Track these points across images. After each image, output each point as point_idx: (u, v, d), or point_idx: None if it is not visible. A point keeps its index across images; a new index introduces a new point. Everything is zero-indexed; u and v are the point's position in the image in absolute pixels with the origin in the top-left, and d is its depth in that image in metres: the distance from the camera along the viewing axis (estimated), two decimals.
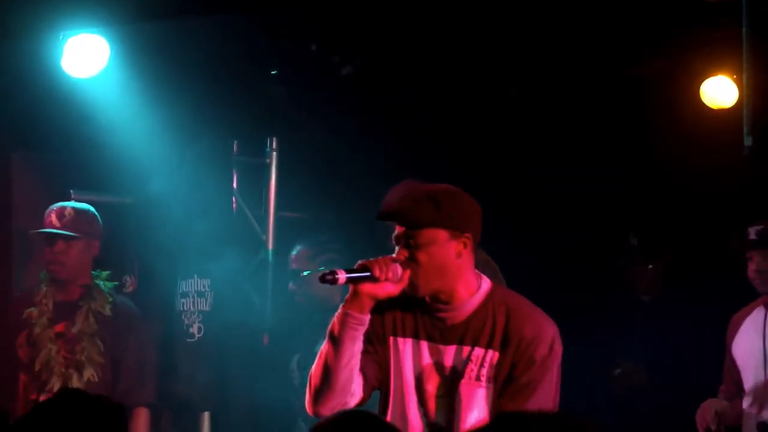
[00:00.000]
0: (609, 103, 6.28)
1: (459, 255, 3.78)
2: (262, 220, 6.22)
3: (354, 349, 3.79)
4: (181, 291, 6.36)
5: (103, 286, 5.70)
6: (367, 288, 3.75)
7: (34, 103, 6.01)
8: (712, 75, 5.96)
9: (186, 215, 6.26)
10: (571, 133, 6.44)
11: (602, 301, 6.27)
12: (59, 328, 5.59)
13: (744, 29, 4.87)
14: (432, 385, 3.85)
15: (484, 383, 3.79)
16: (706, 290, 5.99)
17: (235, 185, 6.29)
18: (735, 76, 5.86)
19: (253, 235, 6.20)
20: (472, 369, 3.80)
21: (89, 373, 5.52)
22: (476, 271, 3.88)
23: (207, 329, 6.15)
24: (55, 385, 5.46)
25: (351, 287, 3.78)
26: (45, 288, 5.66)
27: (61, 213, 5.64)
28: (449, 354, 3.83)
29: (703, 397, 5.52)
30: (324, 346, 3.83)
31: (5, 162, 6.36)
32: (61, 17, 5.23)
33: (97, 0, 5.18)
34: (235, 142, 6.29)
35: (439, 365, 3.84)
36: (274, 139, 6.20)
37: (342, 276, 3.71)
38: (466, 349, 3.81)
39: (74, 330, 5.56)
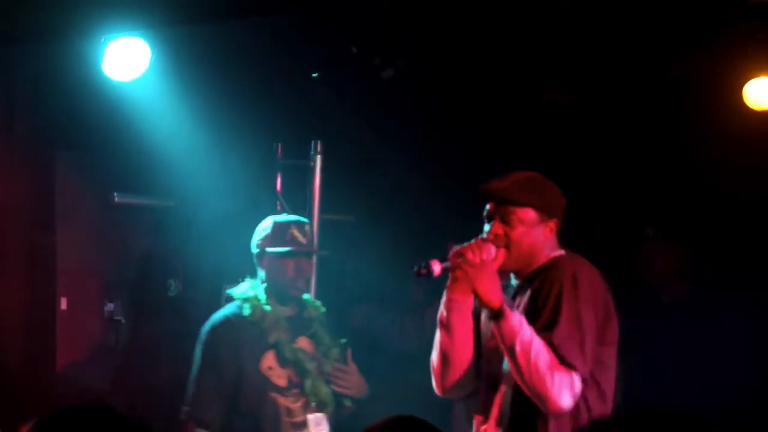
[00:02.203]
0: (651, 102, 6.20)
1: (545, 238, 4.02)
2: None
3: (465, 330, 4.02)
4: (226, 295, 6.33)
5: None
6: (464, 273, 3.92)
7: (77, 105, 6.01)
8: (756, 76, 5.86)
9: (230, 219, 6.24)
10: (611, 131, 6.36)
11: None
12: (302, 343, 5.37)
13: None
14: (491, 341, 4.03)
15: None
16: (728, 294, 5.92)
17: (279, 188, 6.25)
18: None
19: None
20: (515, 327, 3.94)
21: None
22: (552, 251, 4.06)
23: None
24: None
25: (450, 274, 3.94)
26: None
27: (303, 229, 5.37)
28: (507, 315, 3.96)
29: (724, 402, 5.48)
30: (437, 333, 4.05)
31: (49, 161, 6.35)
32: (102, 21, 5.20)
33: (138, 3, 5.14)
34: (279, 144, 6.25)
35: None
36: (319, 142, 6.16)
37: (438, 267, 3.90)
38: (519, 299, 4.03)
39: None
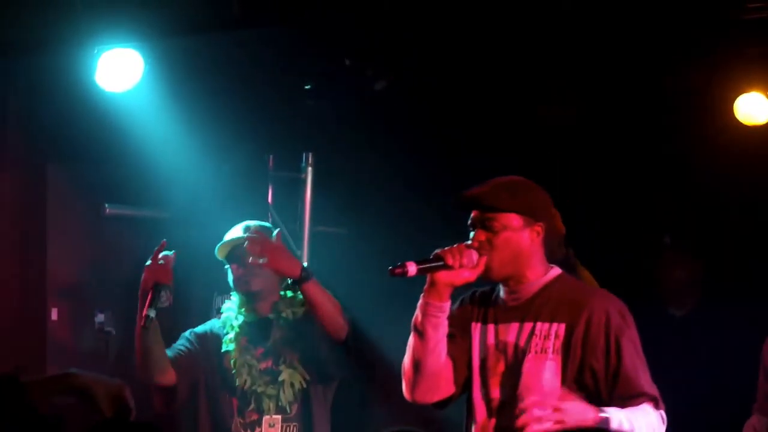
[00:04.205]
0: (643, 115, 6.23)
1: (532, 242, 3.94)
2: (298, 236, 6.18)
3: (438, 335, 3.93)
4: (217, 307, 6.32)
5: None
6: (442, 276, 3.88)
7: (70, 116, 6.02)
8: (747, 91, 5.89)
9: (221, 230, 6.24)
10: (604, 143, 6.39)
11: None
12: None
13: None
14: (495, 364, 3.97)
15: (550, 355, 3.89)
16: (738, 307, 5.93)
17: (270, 200, 6.26)
18: None
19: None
20: (536, 343, 3.91)
21: None
22: (546, 261, 4.01)
23: None
24: None
25: (428, 277, 3.89)
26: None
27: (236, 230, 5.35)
28: (512, 331, 3.96)
29: (735, 415, 5.48)
30: (411, 337, 3.98)
31: (41, 172, 6.36)
32: (95, 32, 5.21)
33: (131, 15, 5.16)
34: (271, 156, 6.26)
35: (502, 343, 3.97)
36: (310, 154, 6.17)
37: (413, 268, 3.81)
38: (529, 324, 3.93)
39: None
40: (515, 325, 3.95)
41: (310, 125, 6.33)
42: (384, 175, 6.51)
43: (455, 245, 3.88)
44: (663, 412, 3.89)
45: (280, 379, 5.22)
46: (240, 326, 5.32)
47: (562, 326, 3.90)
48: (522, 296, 3.98)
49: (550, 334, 3.90)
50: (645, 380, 3.89)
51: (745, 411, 5.62)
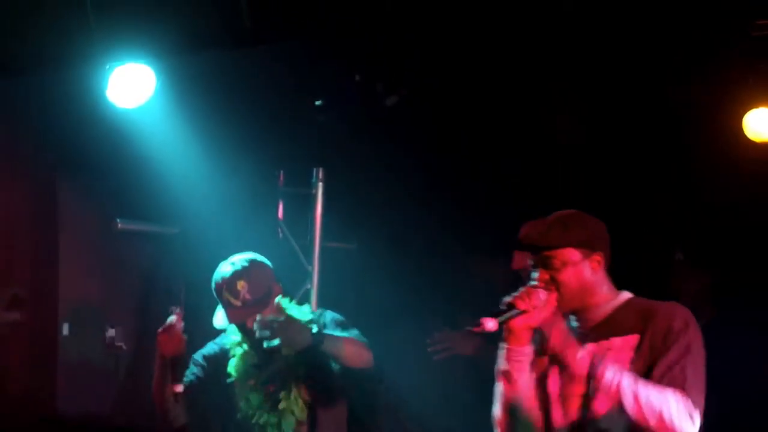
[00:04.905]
0: (651, 131, 6.24)
1: (593, 272, 4.00)
2: (308, 251, 6.18)
3: (525, 378, 4.01)
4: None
5: None
6: (519, 322, 3.93)
7: (82, 132, 6.05)
8: (755, 107, 5.91)
9: (232, 246, 6.25)
10: (613, 159, 6.40)
11: None
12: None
13: None
14: (575, 388, 3.99)
15: (627, 366, 3.92)
16: (754, 318, 5.93)
17: (280, 216, 6.27)
18: None
19: (298, 266, 6.17)
20: (613, 357, 3.93)
21: None
22: (613, 286, 4.07)
23: None
24: None
25: (504, 325, 3.92)
26: None
27: (235, 289, 5.08)
28: (589, 352, 3.97)
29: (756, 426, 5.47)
30: (499, 386, 4.04)
31: (53, 188, 6.39)
32: (107, 48, 5.24)
33: (143, 31, 5.19)
34: (281, 172, 6.27)
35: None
36: (320, 170, 6.18)
37: (492, 324, 3.85)
38: (605, 342, 3.98)
39: None
40: (592, 346, 3.99)
41: (321, 141, 6.35)
42: (394, 190, 6.52)
43: (522, 289, 3.94)
44: (695, 411, 3.87)
45: (280, 407, 5.14)
46: (241, 356, 5.23)
47: (636, 337, 3.97)
48: (594, 320, 4.05)
49: (625, 347, 3.97)
50: (688, 379, 3.89)
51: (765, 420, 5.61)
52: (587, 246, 4.01)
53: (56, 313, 6.38)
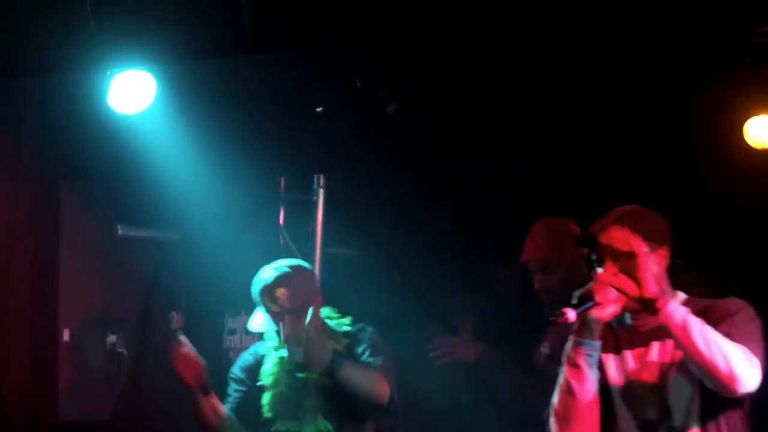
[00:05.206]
0: (652, 137, 6.24)
1: (659, 266, 4.02)
2: (309, 257, 6.18)
3: (594, 373, 3.96)
4: (228, 328, 6.34)
5: None
6: (592, 314, 3.91)
7: (83, 138, 6.04)
8: (757, 114, 5.90)
9: (233, 252, 6.26)
10: (613, 164, 6.40)
11: None
12: None
13: None
14: (640, 386, 4.01)
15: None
16: None
17: (281, 222, 6.27)
18: None
19: None
20: (679, 354, 3.93)
21: None
22: (671, 286, 4.10)
23: None
24: None
25: (578, 318, 3.91)
26: None
27: (273, 295, 5.14)
28: (654, 351, 4.01)
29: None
30: (565, 376, 3.98)
31: (54, 194, 6.39)
32: (108, 54, 5.24)
33: (144, 37, 5.19)
34: (282, 178, 6.28)
35: (647, 365, 4.01)
36: (321, 176, 6.19)
37: (573, 314, 3.86)
38: (670, 341, 3.95)
39: None
40: (655, 344, 4.00)
41: (322, 147, 6.35)
42: (395, 196, 6.52)
43: (594, 282, 3.92)
44: (758, 364, 3.86)
45: (302, 417, 5.13)
46: (277, 362, 5.20)
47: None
48: (650, 324, 4.01)
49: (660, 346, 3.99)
50: (750, 339, 3.88)
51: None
52: (654, 240, 4.02)
53: (57, 319, 6.37)
